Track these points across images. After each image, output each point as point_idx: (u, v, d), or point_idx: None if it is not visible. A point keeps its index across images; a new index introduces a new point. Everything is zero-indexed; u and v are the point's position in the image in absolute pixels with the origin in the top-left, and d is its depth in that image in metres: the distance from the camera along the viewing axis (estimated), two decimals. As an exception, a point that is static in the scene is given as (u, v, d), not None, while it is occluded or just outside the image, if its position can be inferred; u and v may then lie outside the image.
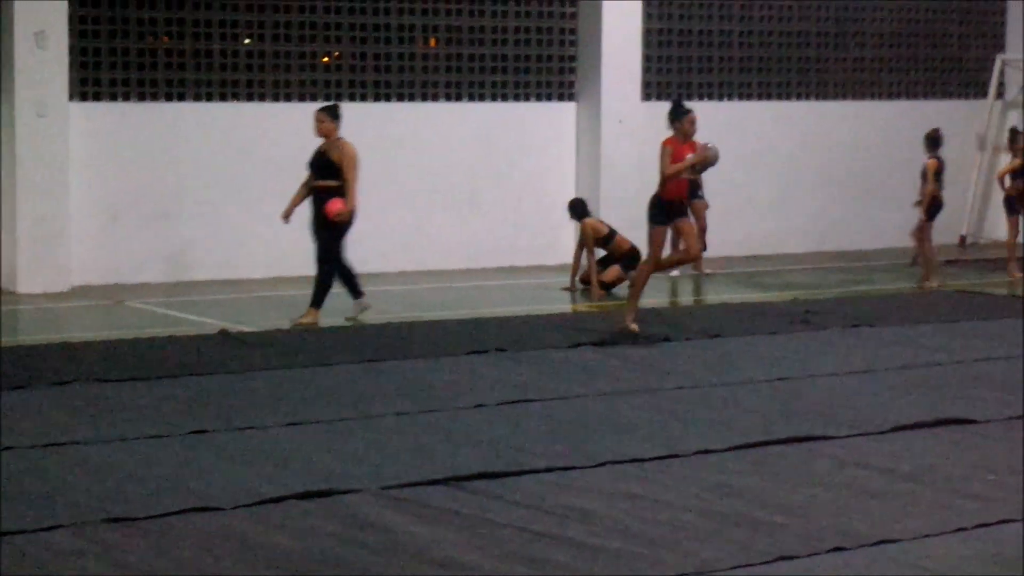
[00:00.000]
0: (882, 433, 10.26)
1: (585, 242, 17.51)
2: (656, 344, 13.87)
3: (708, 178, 18.74)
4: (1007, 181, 19.32)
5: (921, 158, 18.30)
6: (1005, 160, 19.41)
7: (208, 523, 8.00)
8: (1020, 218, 18.88)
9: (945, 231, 22.30)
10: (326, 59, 18.85)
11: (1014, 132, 19.10)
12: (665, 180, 14.10)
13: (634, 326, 14.20)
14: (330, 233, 14.63)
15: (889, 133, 21.64)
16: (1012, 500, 8.61)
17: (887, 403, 11.26)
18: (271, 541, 7.72)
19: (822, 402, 11.30)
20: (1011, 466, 9.38)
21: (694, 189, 18.78)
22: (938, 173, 17.89)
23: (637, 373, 12.43)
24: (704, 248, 18.18)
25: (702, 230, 18.47)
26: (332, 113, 14.77)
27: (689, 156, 14.06)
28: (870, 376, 12.39)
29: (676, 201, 14.23)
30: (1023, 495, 8.68)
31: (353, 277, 14.96)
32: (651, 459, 9.49)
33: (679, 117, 14.27)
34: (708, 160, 14.13)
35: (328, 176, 14.56)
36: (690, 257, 14.86)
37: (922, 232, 18.15)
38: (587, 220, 17.66)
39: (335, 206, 14.46)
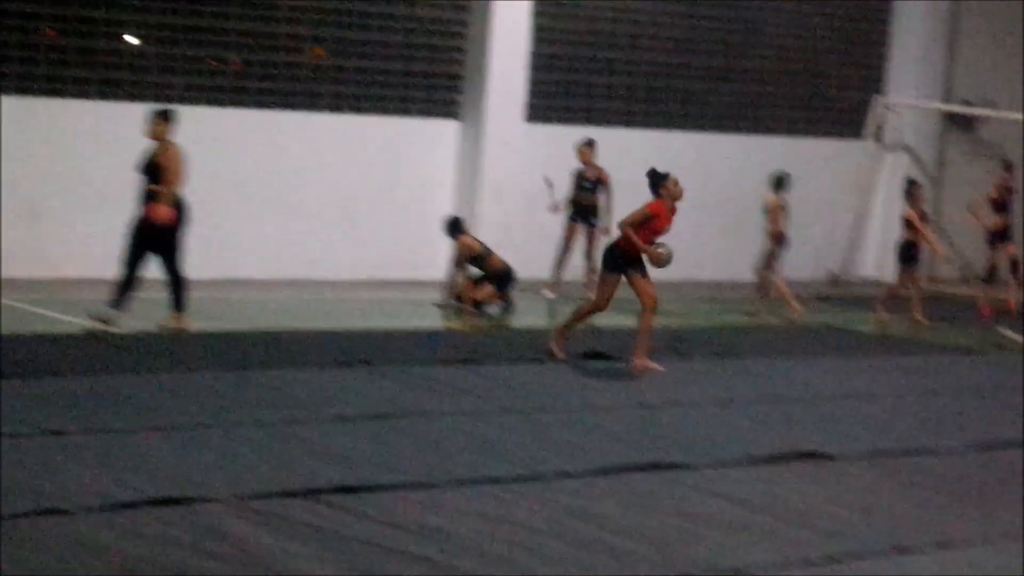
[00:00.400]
0: (740, 465, 10.37)
1: (460, 259, 17.55)
2: (524, 364, 13.91)
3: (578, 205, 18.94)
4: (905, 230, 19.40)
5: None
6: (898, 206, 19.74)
7: (55, 526, 7.89)
8: (915, 269, 19.03)
9: (816, 267, 22.65)
10: (212, 64, 18.74)
11: (911, 183, 19.38)
12: (623, 230, 13.80)
13: (558, 351, 14.20)
14: (161, 236, 14.39)
15: (766, 168, 21.83)
16: (861, 537, 8.73)
17: (746, 434, 11.38)
18: (119, 547, 7.64)
19: (684, 431, 11.40)
20: (862, 503, 9.51)
21: (587, 214, 18.94)
22: (780, 210, 18.42)
23: (503, 393, 12.45)
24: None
25: (589, 255, 18.74)
26: (164, 117, 14.59)
27: (643, 247, 13.71)
28: (732, 407, 12.51)
29: (633, 254, 13.80)
30: (872, 531, 8.83)
31: (130, 285, 14.67)
32: (511, 480, 9.52)
33: (663, 183, 13.90)
34: (658, 262, 13.95)
35: (155, 180, 14.39)
36: (596, 309, 14.30)
37: (770, 266, 18.45)
38: (463, 238, 17.70)
39: (158, 211, 14.26)
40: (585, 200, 19.03)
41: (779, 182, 18.65)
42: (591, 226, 19.05)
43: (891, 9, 23.78)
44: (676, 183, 13.92)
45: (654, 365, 13.89)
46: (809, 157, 22.98)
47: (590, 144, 19.11)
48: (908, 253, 18.72)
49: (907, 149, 23.77)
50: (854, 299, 21.09)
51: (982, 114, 24.15)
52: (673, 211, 13.90)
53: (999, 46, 24.75)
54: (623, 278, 13.93)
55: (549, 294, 18.98)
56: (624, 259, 13.84)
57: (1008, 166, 20.56)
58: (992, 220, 20.07)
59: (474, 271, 17.66)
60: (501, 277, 17.61)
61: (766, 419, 12.05)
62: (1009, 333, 18.21)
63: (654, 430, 11.35)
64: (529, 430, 11.07)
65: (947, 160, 24.35)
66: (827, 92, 23.48)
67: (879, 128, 23.47)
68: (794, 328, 17.93)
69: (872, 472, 10.43)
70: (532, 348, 14.73)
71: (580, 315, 14.44)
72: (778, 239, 18.46)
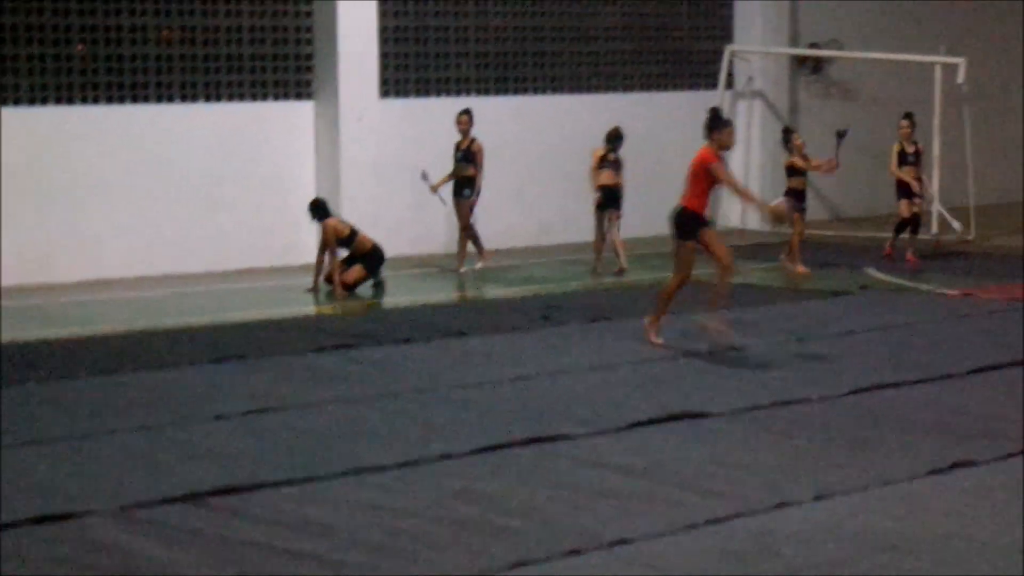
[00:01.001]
0: (618, 430, 10.46)
1: (327, 242, 17.48)
2: (398, 345, 13.90)
3: (441, 174, 19.00)
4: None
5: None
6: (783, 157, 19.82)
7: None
8: (803, 214, 19.23)
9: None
10: (58, 61, 18.46)
11: (787, 130, 19.53)
12: (733, 187, 13.94)
13: (655, 339, 13.75)
14: None
15: (624, 125, 21.98)
16: (741, 495, 8.86)
17: (624, 399, 11.47)
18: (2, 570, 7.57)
19: (562, 400, 11.47)
20: (740, 460, 9.65)
21: (461, 186, 18.99)
22: (611, 164, 19.01)
23: (379, 376, 12.44)
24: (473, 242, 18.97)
25: (464, 228, 18.82)
26: None
27: (760, 201, 13.88)
28: (608, 372, 12.59)
29: (701, 214, 13.55)
30: (751, 488, 8.95)
31: None
32: (392, 466, 9.54)
33: (719, 128, 13.53)
34: (779, 217, 13.74)
35: None
36: (726, 268, 13.82)
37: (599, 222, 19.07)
38: (328, 220, 17.61)
39: None
40: (460, 171, 19.09)
41: (607, 137, 19.21)
42: (463, 198, 19.09)
43: (734, -42, 23.98)
44: (731, 133, 13.63)
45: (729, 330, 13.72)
46: (666, 110, 23.14)
47: (465, 112, 19.16)
48: (796, 199, 18.98)
49: (760, 95, 24.02)
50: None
51: (829, 55, 24.46)
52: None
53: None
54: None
55: (479, 264, 19.13)
56: (696, 220, 13.56)
57: (908, 115, 20.40)
58: (901, 172, 19.96)
59: (343, 252, 17.60)
60: (370, 257, 17.57)
61: (641, 382, 12.16)
62: (877, 274, 18.46)
63: (532, 402, 11.41)
64: (408, 413, 11.08)
65: (799, 103, 24.64)
66: (678, 45, 23.64)
67: (731, 76, 23.68)
68: (662, 285, 18.02)
69: (748, 427, 10.56)
70: (406, 327, 14.73)
71: (667, 295, 13.87)
72: (598, 192, 18.97)
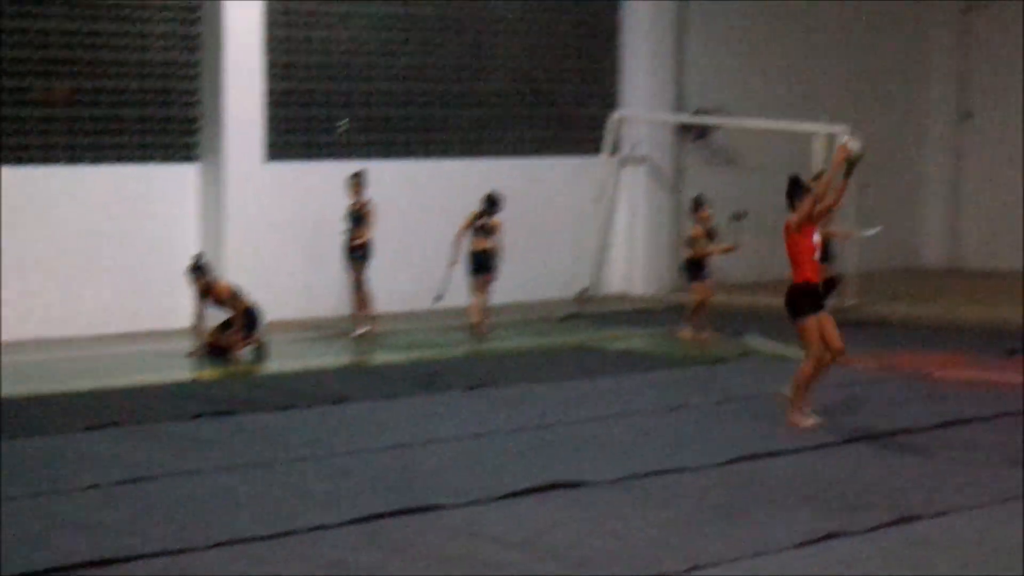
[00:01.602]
0: (495, 500, 10.46)
1: (205, 304, 17.40)
2: (279, 412, 13.84)
3: (332, 241, 18.96)
4: (687, 248, 19.59)
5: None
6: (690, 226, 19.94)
7: None
8: (706, 282, 19.29)
9: (563, 286, 22.94)
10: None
11: (698, 201, 19.64)
12: (805, 264, 12.96)
13: (808, 421, 13.15)
14: None
15: (511, 190, 22.08)
16: (617, 566, 8.89)
17: (502, 467, 11.48)
18: None
19: (439, 469, 11.46)
20: (615, 530, 9.67)
21: (354, 250, 18.98)
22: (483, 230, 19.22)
23: (257, 444, 12.36)
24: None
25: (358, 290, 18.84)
26: None
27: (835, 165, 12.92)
28: (487, 440, 12.61)
29: (817, 286, 13.06)
30: (623, 557, 8.99)
31: None
32: (266, 537, 9.47)
33: (801, 192, 13.08)
34: (852, 158, 12.80)
35: None
36: (824, 363, 13.19)
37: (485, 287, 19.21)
38: (206, 281, 17.49)
39: None
40: (351, 233, 19.11)
41: (482, 201, 19.42)
42: (356, 260, 19.11)
43: (619, 26, 24.20)
44: (815, 201, 12.94)
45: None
46: (552, 175, 23.30)
47: (357, 175, 19.20)
48: (695, 268, 19.07)
49: (645, 161, 24.23)
50: (604, 316, 21.37)
51: (715, 123, 24.74)
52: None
53: (727, 55, 25.39)
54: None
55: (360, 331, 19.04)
56: (821, 294, 13.22)
57: (816, 176, 20.58)
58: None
59: (222, 314, 17.51)
60: (249, 318, 17.49)
61: (520, 450, 12.18)
62: (759, 341, 18.63)
63: (410, 471, 11.39)
64: (284, 482, 11.02)
65: (685, 169, 24.88)
66: (564, 111, 23.81)
67: (617, 143, 23.88)
68: (546, 351, 18.12)
69: (624, 497, 10.60)
70: (288, 393, 14.67)
71: (810, 377, 13.18)
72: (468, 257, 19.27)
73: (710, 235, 19.18)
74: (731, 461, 11.76)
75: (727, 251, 19.21)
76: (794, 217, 12.97)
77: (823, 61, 26.70)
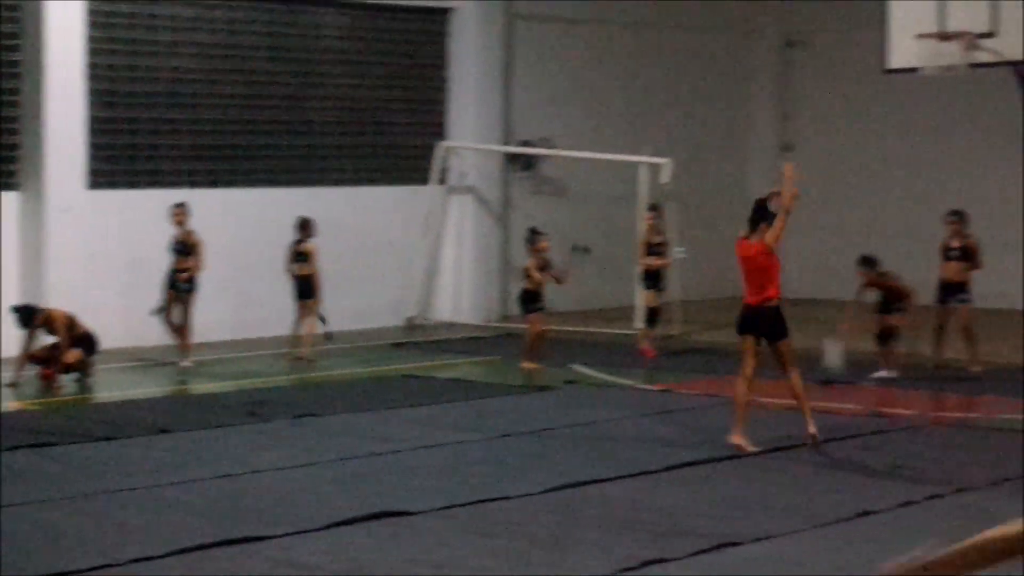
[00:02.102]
0: (317, 530, 10.39)
1: (34, 335, 17.21)
2: (100, 443, 13.63)
3: (155, 270, 18.72)
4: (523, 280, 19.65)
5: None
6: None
7: None
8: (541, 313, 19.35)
9: (392, 314, 22.94)
10: None
11: (534, 232, 19.65)
12: (775, 281, 13.44)
13: (814, 433, 13.59)
14: None
15: (337, 219, 22.04)
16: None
17: (326, 497, 11.42)
18: None
19: (262, 499, 11.36)
20: (439, 560, 9.67)
21: (179, 280, 18.79)
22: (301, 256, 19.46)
23: (77, 476, 12.15)
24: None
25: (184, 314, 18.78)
26: None
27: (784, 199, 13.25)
28: (311, 469, 12.54)
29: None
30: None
31: None
32: (85, 570, 9.31)
33: (767, 217, 13.41)
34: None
35: None
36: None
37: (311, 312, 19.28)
38: (43, 317, 17.27)
39: None
40: (176, 263, 18.92)
41: (305, 227, 19.66)
42: (181, 291, 18.92)
43: (447, 58, 24.30)
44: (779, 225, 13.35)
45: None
46: (379, 205, 23.31)
47: (180, 206, 19.02)
48: (530, 299, 19.08)
49: (472, 191, 24.34)
50: (432, 344, 21.40)
51: (540, 153, 24.93)
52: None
53: (554, 87, 25.63)
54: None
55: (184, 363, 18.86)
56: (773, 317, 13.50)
57: (653, 207, 20.90)
58: (648, 261, 20.40)
59: (48, 340, 17.31)
60: (88, 343, 17.34)
61: (343, 479, 12.13)
62: (583, 369, 18.76)
63: (232, 501, 11.28)
64: (104, 514, 10.84)
65: (512, 199, 25.03)
66: (392, 140, 23.84)
67: (444, 172, 23.96)
68: (373, 379, 18.10)
69: (448, 526, 10.60)
70: (109, 424, 14.46)
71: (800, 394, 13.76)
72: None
73: (543, 267, 19.26)
74: (555, 488, 11.81)
75: (559, 282, 19.31)
76: (769, 236, 13.33)
77: (649, 94, 27.06)
